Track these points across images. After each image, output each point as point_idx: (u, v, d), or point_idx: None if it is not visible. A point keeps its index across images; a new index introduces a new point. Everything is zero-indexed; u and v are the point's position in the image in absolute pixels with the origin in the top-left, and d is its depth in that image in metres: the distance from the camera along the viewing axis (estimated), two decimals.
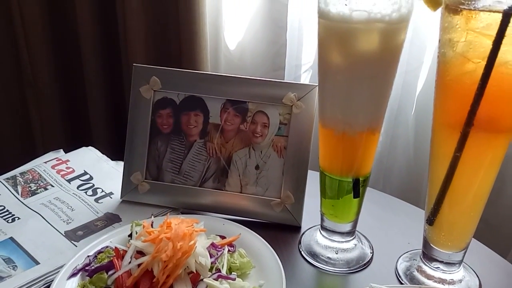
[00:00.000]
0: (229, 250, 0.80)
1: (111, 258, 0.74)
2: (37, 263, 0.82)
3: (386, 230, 0.97)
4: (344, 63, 0.72)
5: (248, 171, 0.98)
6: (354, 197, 0.83)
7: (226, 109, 0.97)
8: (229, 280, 0.72)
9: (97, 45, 1.56)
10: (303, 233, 0.95)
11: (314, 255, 0.88)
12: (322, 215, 0.89)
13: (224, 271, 0.74)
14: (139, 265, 0.69)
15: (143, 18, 1.46)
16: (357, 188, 0.81)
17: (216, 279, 0.71)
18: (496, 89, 0.63)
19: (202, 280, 0.71)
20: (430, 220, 0.78)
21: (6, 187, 1.02)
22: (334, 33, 0.70)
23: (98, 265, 0.74)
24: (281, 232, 0.95)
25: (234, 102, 0.97)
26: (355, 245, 0.90)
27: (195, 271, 0.70)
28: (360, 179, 0.81)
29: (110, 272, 0.72)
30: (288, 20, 1.45)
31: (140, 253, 0.72)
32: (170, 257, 0.68)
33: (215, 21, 1.52)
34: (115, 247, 0.75)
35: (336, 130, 0.77)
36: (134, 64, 0.99)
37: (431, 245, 0.80)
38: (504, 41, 0.60)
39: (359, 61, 0.71)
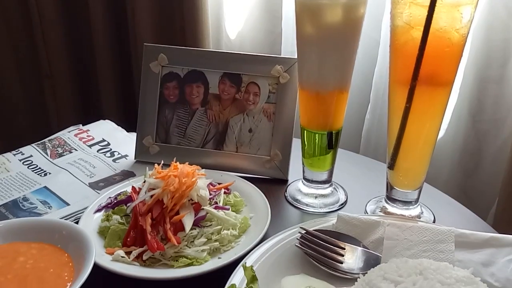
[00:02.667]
0: (225, 192, 0.97)
1: (129, 195, 0.92)
2: (67, 204, 1.00)
3: (361, 182, 1.14)
4: (315, 35, 0.89)
5: (243, 134, 1.15)
6: (329, 148, 0.99)
7: (223, 81, 1.14)
8: (224, 210, 0.89)
9: (110, 46, 1.72)
10: (289, 184, 1.11)
11: (297, 200, 1.05)
12: (303, 166, 1.06)
13: (220, 204, 0.91)
14: (152, 196, 0.86)
15: (151, 14, 1.62)
16: (331, 140, 0.98)
17: (214, 209, 0.88)
18: (433, 50, 0.79)
19: (202, 209, 0.88)
20: (390, 165, 0.94)
21: (37, 150, 1.20)
22: (307, 9, 0.87)
23: (118, 199, 0.92)
24: (271, 184, 1.11)
25: (230, 74, 1.14)
26: (332, 191, 1.06)
27: (196, 201, 0.87)
28: (333, 132, 0.98)
29: (128, 204, 0.89)
30: (283, 10, 1.61)
31: (152, 189, 0.89)
32: (176, 189, 0.85)
33: (216, 13, 1.69)
34: (132, 186, 0.93)
35: (311, 90, 0.94)
36: (145, 43, 1.17)
37: (392, 186, 0.96)
38: (436, 9, 0.76)
39: (327, 32, 0.88)
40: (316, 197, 1.05)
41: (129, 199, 0.91)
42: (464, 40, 0.80)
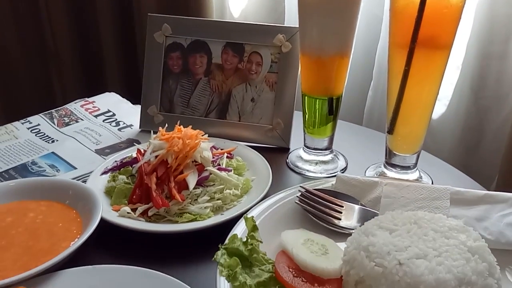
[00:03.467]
0: (227, 157, 1.00)
1: (135, 157, 0.94)
2: (74, 168, 1.03)
3: (361, 150, 1.16)
4: (317, 0, 0.91)
5: (245, 104, 1.17)
6: (329, 115, 1.01)
7: (226, 50, 1.16)
8: (226, 172, 0.92)
9: (113, 19, 1.73)
10: (290, 152, 1.14)
11: (298, 166, 1.07)
12: (304, 134, 1.08)
13: (223, 167, 0.94)
14: (156, 157, 0.89)
15: None
16: (332, 106, 1.00)
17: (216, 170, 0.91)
18: (432, 11, 0.81)
19: (206, 169, 0.90)
20: (389, 130, 0.96)
21: (45, 119, 1.23)
22: None
23: (124, 161, 0.95)
24: (273, 153, 1.14)
25: (233, 44, 1.16)
26: (332, 158, 1.09)
27: (200, 162, 0.90)
28: (334, 98, 0.99)
29: (134, 165, 0.92)
30: None
31: (157, 151, 0.92)
32: (180, 150, 0.88)
33: None
34: (137, 148, 0.96)
35: (313, 55, 0.96)
36: (149, 14, 1.19)
37: (391, 150, 0.98)
38: None
39: None
40: (316, 163, 1.07)
41: (135, 160, 0.93)
42: (462, 1, 0.81)
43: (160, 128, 0.94)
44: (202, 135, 0.97)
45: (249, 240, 0.69)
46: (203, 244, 0.81)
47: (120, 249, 0.81)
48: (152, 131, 0.98)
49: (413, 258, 0.60)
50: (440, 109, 1.55)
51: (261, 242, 0.70)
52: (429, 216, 0.68)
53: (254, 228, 0.70)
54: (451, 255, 0.60)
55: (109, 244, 0.82)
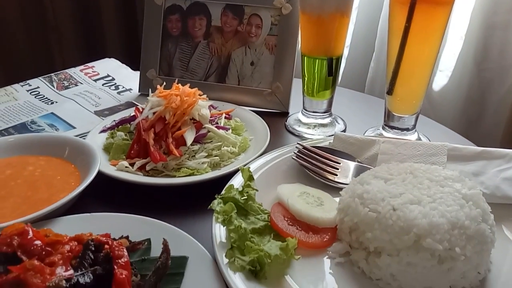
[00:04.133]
0: (226, 117, 1.00)
1: (133, 114, 0.94)
2: (73, 127, 1.03)
3: (360, 115, 1.16)
4: None
5: (245, 67, 1.16)
6: (329, 76, 1.01)
7: (225, 13, 1.15)
8: (224, 130, 0.92)
9: None
10: (289, 116, 1.14)
11: (297, 129, 1.07)
12: (303, 97, 1.08)
13: (221, 125, 0.94)
14: (154, 113, 0.89)
15: None
16: (331, 67, 0.99)
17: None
18: None
19: (204, 127, 0.90)
20: (389, 90, 0.96)
21: (44, 82, 1.22)
22: None
23: (122, 118, 0.95)
24: (272, 117, 1.13)
25: (232, 6, 1.14)
26: (331, 121, 1.08)
27: (198, 120, 0.90)
28: (334, 58, 0.99)
29: (132, 122, 0.92)
30: None
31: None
32: (178, 106, 0.88)
33: None
34: (136, 106, 0.96)
35: (313, 14, 0.95)
36: None
37: (390, 111, 0.98)
38: None
39: None
40: (315, 126, 1.07)
41: (133, 118, 0.93)
42: None
43: (158, 86, 0.94)
44: (200, 95, 0.97)
45: (245, 189, 0.69)
46: (200, 198, 0.81)
47: (118, 202, 0.82)
48: (150, 90, 0.98)
49: (407, 203, 0.60)
50: (442, 80, 1.54)
51: (256, 190, 0.71)
52: (425, 167, 0.69)
53: (250, 178, 0.71)
54: (445, 201, 0.61)
55: (107, 198, 0.83)
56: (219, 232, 0.64)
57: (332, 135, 1.00)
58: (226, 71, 1.17)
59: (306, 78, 1.04)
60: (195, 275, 0.60)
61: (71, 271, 0.48)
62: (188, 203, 0.81)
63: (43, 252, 0.49)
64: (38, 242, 0.50)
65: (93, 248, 0.52)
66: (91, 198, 0.80)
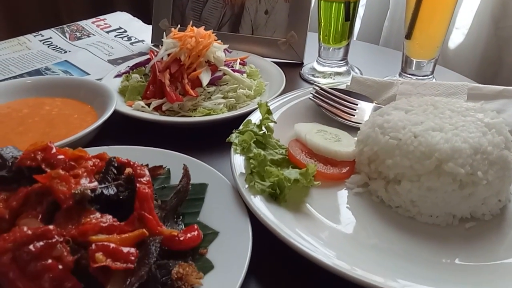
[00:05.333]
0: (240, 63, 0.98)
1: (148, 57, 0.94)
2: (88, 74, 1.03)
3: (376, 66, 1.14)
4: None
5: (259, 16, 1.14)
6: (346, 20, 0.99)
7: None
8: (239, 73, 0.91)
9: None
10: (304, 65, 1.12)
11: (312, 78, 1.06)
12: (319, 45, 1.06)
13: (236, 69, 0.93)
14: (169, 55, 0.88)
15: None
16: (348, 11, 0.97)
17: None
18: None
19: (219, 70, 0.90)
20: (408, 34, 0.94)
21: (56, 33, 1.22)
22: None
23: (137, 61, 0.94)
24: (286, 67, 1.11)
25: None
26: (347, 70, 1.07)
27: (213, 62, 0.89)
28: (351, 2, 0.96)
29: (147, 65, 0.91)
30: None
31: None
32: (193, 47, 0.87)
33: None
34: (150, 49, 0.95)
35: None
36: None
37: (408, 57, 0.96)
38: None
39: None
40: (331, 75, 1.05)
41: (148, 60, 0.93)
42: None
43: (173, 29, 0.93)
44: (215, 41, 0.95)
45: (263, 121, 0.69)
46: (216, 138, 0.81)
47: (134, 142, 0.82)
48: (164, 33, 0.97)
49: (428, 130, 0.60)
50: (458, 38, 1.50)
51: (275, 122, 0.70)
52: (446, 100, 0.68)
53: (268, 112, 0.70)
54: (468, 129, 0.60)
55: (124, 138, 0.82)
56: (238, 161, 0.64)
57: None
58: (240, 21, 1.15)
59: (322, 24, 1.02)
60: (215, 201, 0.60)
61: (95, 183, 0.49)
62: (205, 142, 0.81)
63: (67, 166, 0.49)
64: (61, 157, 0.50)
65: (115, 165, 0.52)
66: (107, 139, 0.80)
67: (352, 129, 0.78)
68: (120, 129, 0.83)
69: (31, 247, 0.40)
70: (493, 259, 0.53)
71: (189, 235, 0.52)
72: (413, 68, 0.97)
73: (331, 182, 0.66)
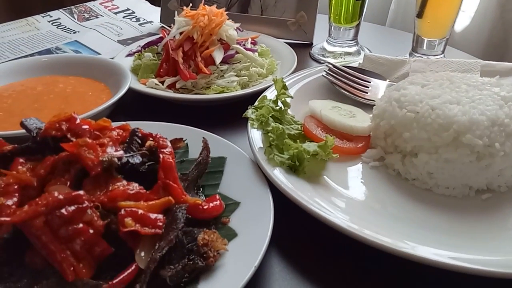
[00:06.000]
0: (251, 42, 0.98)
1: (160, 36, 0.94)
2: (98, 53, 1.03)
3: (386, 46, 1.14)
4: None
5: None
6: (357, 0, 0.98)
7: None
8: (251, 52, 0.91)
9: None
10: (314, 46, 1.12)
11: (322, 58, 1.06)
12: (330, 24, 1.06)
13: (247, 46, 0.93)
14: (181, 34, 0.88)
15: None
16: None
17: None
18: None
19: (231, 48, 0.90)
20: (419, 13, 0.93)
21: (65, 14, 1.21)
22: None
23: (149, 40, 0.94)
24: (295, 48, 1.11)
25: None
26: (357, 50, 1.07)
27: (225, 39, 0.89)
28: None
29: (159, 44, 0.91)
30: None
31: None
32: (206, 25, 0.87)
33: None
34: (162, 28, 0.95)
35: None
36: None
37: (419, 36, 0.96)
38: None
39: None
40: (341, 55, 1.06)
41: (160, 39, 0.93)
42: None
43: (185, 7, 0.93)
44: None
45: (280, 96, 0.69)
46: (230, 116, 0.82)
47: (149, 118, 0.82)
48: (176, 12, 0.97)
49: (446, 103, 0.60)
50: (464, 21, 1.50)
51: (291, 97, 0.71)
52: (461, 75, 0.68)
53: (284, 87, 0.70)
54: (484, 102, 0.60)
55: (137, 114, 0.82)
56: (255, 136, 0.65)
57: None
58: (249, 1, 1.15)
59: (333, 3, 1.02)
60: (233, 173, 0.61)
61: (121, 152, 0.49)
62: (218, 119, 0.81)
63: (92, 135, 0.50)
64: (86, 127, 0.51)
65: (139, 135, 0.53)
66: (121, 116, 0.80)
67: (366, 106, 0.79)
68: (133, 106, 0.84)
69: (63, 211, 0.41)
70: (508, 228, 0.54)
71: (211, 204, 0.53)
72: (424, 48, 0.97)
73: (347, 156, 0.67)
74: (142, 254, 0.44)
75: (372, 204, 0.58)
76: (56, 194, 0.42)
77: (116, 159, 0.47)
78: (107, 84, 0.85)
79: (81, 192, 0.43)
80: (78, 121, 0.51)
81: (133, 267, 0.43)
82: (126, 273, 0.42)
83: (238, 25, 0.95)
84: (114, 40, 1.10)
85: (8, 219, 0.40)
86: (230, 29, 0.90)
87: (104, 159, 0.46)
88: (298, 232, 0.57)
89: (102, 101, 0.80)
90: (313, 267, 0.52)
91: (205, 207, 0.52)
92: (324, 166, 0.63)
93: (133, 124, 0.68)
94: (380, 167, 0.65)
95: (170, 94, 0.81)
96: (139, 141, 0.52)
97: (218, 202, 0.54)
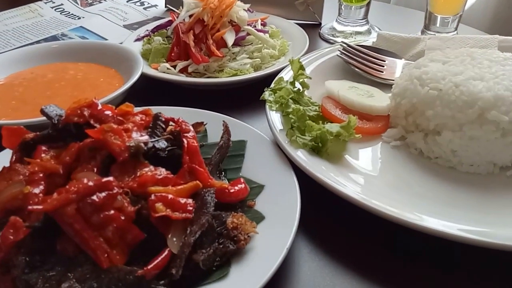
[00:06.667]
0: (261, 24, 0.97)
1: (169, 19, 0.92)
2: (105, 39, 1.01)
3: (396, 25, 1.12)
4: None
5: None
6: None
7: None
8: (262, 33, 0.90)
9: None
10: (323, 26, 1.10)
11: (332, 38, 1.04)
12: (339, 3, 1.04)
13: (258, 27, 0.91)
14: (191, 16, 0.86)
15: None
16: None
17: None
18: None
19: (242, 30, 0.88)
20: None
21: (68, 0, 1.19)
22: None
23: (157, 24, 0.93)
24: (304, 28, 1.10)
25: None
26: (368, 29, 1.05)
27: (236, 21, 0.87)
28: None
29: (168, 27, 0.90)
30: None
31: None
32: (216, 7, 0.85)
33: None
34: (170, 11, 0.93)
35: None
36: None
37: (432, 13, 0.95)
38: None
39: None
40: (351, 34, 1.04)
41: (169, 22, 0.91)
42: None
43: None
44: None
45: (298, 77, 0.68)
46: (243, 99, 0.81)
47: (161, 102, 0.80)
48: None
49: (469, 79, 0.59)
50: None
51: (310, 78, 0.70)
52: (482, 51, 0.67)
53: (301, 67, 0.69)
54: (509, 77, 0.59)
55: (150, 99, 0.81)
56: (275, 118, 0.64)
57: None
58: None
59: None
60: (255, 156, 0.60)
61: (146, 137, 0.49)
62: (232, 103, 0.80)
63: (115, 121, 0.49)
64: (109, 112, 0.50)
65: (163, 119, 0.52)
66: (133, 101, 0.78)
67: (382, 85, 0.78)
68: (145, 92, 0.82)
69: (94, 197, 0.41)
70: None
71: (236, 187, 0.52)
72: (438, 25, 0.95)
73: (366, 137, 0.66)
74: (174, 239, 0.43)
75: (396, 183, 0.58)
76: (85, 181, 0.42)
77: (142, 144, 0.46)
78: (118, 70, 0.83)
79: (111, 178, 0.43)
80: (99, 107, 0.50)
81: (165, 252, 0.42)
82: (159, 259, 0.42)
83: (248, 6, 0.94)
84: (120, 25, 1.08)
85: (40, 207, 0.40)
86: (240, 10, 0.88)
87: (131, 144, 0.45)
88: (322, 213, 0.57)
89: (114, 87, 0.78)
90: (341, 248, 0.52)
91: (231, 190, 0.51)
92: (345, 147, 0.62)
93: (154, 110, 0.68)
94: (401, 146, 0.64)
95: (184, 78, 0.80)
96: (163, 126, 0.51)
97: (243, 186, 0.53)
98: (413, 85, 0.63)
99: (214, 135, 0.62)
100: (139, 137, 0.48)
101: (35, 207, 0.40)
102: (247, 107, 0.79)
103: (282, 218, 0.50)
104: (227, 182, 0.57)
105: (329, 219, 0.56)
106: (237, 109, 0.79)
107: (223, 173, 0.59)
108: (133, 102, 0.78)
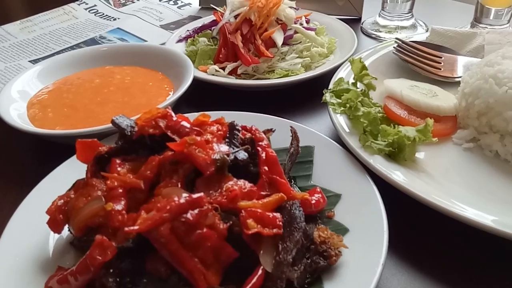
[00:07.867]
0: (305, 21, 0.94)
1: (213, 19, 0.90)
2: (145, 41, 0.99)
3: (443, 19, 1.08)
4: None
5: None
6: None
7: None
8: (310, 31, 0.87)
9: None
10: (364, 21, 1.07)
11: (375, 33, 1.01)
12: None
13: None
14: (236, 17, 0.84)
15: None
16: None
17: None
18: None
19: (290, 28, 0.85)
20: None
21: (100, 0, 1.17)
22: None
23: (201, 25, 0.90)
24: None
25: None
26: (413, 23, 1.02)
27: (283, 19, 0.85)
28: None
29: (213, 28, 0.87)
30: None
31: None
32: (264, 5, 0.82)
33: None
34: (214, 11, 0.90)
35: None
36: None
37: (483, 5, 0.91)
38: None
39: None
40: (396, 29, 1.01)
41: (214, 23, 0.89)
42: None
43: None
44: None
45: (363, 77, 0.66)
46: (298, 101, 0.78)
47: (210, 105, 0.78)
48: None
49: None
50: None
51: (375, 78, 0.67)
52: None
53: (363, 68, 0.67)
54: None
55: (199, 103, 0.79)
56: (341, 121, 0.62)
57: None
58: None
59: None
60: (324, 163, 0.58)
61: (226, 148, 0.46)
62: (282, 104, 0.78)
63: (193, 132, 0.47)
64: (185, 123, 0.48)
65: (239, 129, 0.50)
66: (182, 105, 0.77)
67: (440, 83, 0.75)
68: (192, 95, 0.80)
69: (188, 215, 0.39)
70: None
71: (315, 197, 0.50)
72: (491, 18, 0.92)
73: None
74: (266, 256, 0.41)
75: (477, 187, 0.55)
76: (176, 198, 0.40)
77: (227, 157, 0.44)
78: (165, 73, 0.81)
79: (202, 194, 0.41)
80: (174, 117, 0.48)
81: (260, 271, 0.41)
82: (255, 278, 0.40)
83: (293, 3, 0.91)
84: (156, 25, 1.06)
85: (136, 227, 0.38)
86: (286, 8, 0.85)
87: (217, 157, 0.43)
88: (400, 220, 0.54)
89: (165, 91, 0.77)
90: (427, 258, 0.50)
91: (313, 201, 0.49)
92: (414, 150, 0.60)
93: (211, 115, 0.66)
94: (474, 149, 0.62)
95: (235, 80, 0.78)
96: (241, 136, 0.49)
97: (320, 195, 0.51)
98: (488, 85, 0.60)
99: (276, 141, 0.60)
100: (221, 149, 0.46)
101: (131, 228, 0.38)
102: (300, 109, 0.76)
103: (368, 229, 0.48)
104: (299, 191, 0.55)
105: (411, 227, 0.54)
106: (288, 110, 0.76)
107: (292, 181, 0.57)
108: (182, 107, 0.77)
